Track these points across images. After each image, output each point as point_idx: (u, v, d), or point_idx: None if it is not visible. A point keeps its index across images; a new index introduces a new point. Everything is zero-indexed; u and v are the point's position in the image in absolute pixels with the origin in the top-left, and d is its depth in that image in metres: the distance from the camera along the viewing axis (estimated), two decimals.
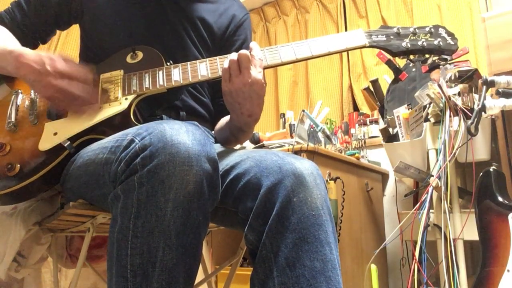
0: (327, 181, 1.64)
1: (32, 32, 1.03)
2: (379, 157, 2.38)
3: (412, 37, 0.92)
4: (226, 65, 0.84)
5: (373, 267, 1.92)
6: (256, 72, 0.83)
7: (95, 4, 1.02)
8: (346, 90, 2.84)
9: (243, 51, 0.83)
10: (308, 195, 0.72)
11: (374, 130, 2.41)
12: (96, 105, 0.87)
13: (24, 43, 1.03)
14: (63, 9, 1.03)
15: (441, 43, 0.92)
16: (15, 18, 1.01)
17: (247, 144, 1.85)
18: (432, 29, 0.93)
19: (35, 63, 0.83)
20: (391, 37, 0.92)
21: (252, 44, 0.87)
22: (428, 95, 1.52)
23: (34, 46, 1.07)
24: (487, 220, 1.35)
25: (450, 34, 0.94)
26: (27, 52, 0.85)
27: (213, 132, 1.09)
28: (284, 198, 0.71)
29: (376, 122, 2.42)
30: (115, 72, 0.92)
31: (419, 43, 0.91)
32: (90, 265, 1.15)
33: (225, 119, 1.03)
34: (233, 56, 0.84)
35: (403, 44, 0.91)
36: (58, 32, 1.10)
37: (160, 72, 0.89)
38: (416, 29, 0.93)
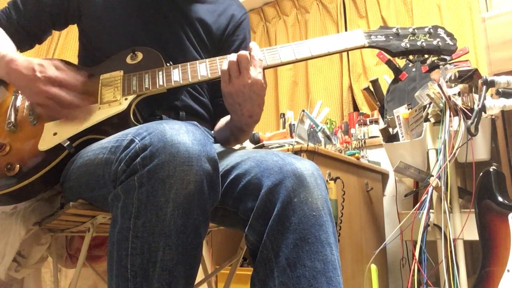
0: (327, 181, 1.64)
1: (28, 32, 1.03)
2: (379, 157, 2.38)
3: (411, 38, 0.92)
4: (225, 66, 0.84)
5: (373, 267, 1.92)
6: (256, 73, 0.83)
7: (93, 5, 1.02)
8: (346, 90, 2.84)
9: (242, 52, 0.83)
10: (309, 195, 0.72)
11: (374, 130, 2.41)
12: (96, 105, 0.87)
13: (20, 43, 1.03)
14: (60, 10, 1.03)
15: (440, 43, 0.92)
16: (11, 18, 1.01)
17: (247, 144, 1.85)
18: (431, 30, 0.93)
19: (25, 69, 0.83)
20: (390, 37, 0.92)
21: (252, 45, 0.87)
22: (428, 95, 1.51)
23: (30, 46, 1.07)
24: (487, 220, 1.35)
25: (449, 35, 0.94)
26: (18, 58, 0.85)
27: (212, 132, 1.09)
28: (284, 199, 0.71)
29: (376, 122, 2.42)
30: (115, 73, 0.92)
31: (418, 43, 0.91)
32: (90, 265, 1.15)
33: (225, 119, 1.03)
34: (232, 57, 0.83)
35: (402, 44, 0.91)
36: (58, 32, 1.10)
37: (160, 73, 0.89)
38: (415, 30, 0.93)
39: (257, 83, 0.83)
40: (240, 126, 0.93)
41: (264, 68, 0.86)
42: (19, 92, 0.94)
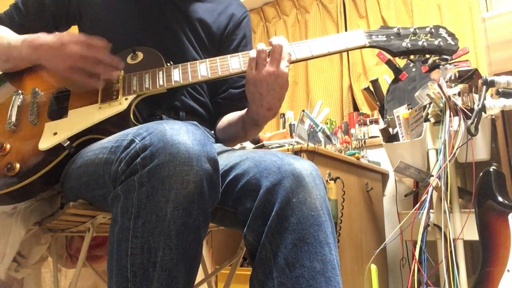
0: (327, 181, 1.64)
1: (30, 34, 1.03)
2: (379, 157, 2.38)
3: (412, 37, 0.92)
4: (253, 54, 0.84)
5: (373, 267, 1.93)
6: (284, 66, 0.83)
7: (92, 6, 1.02)
8: (346, 90, 2.84)
9: (279, 42, 0.83)
10: (307, 195, 0.72)
11: (374, 130, 2.41)
12: (96, 105, 0.87)
13: None
14: (61, 11, 1.04)
15: (441, 43, 0.91)
16: (14, 20, 1.02)
17: (247, 144, 1.85)
18: (433, 30, 0.93)
19: (52, 40, 0.87)
20: (391, 37, 0.92)
21: (281, 39, 0.87)
22: (428, 95, 1.52)
23: None
24: (487, 220, 1.35)
25: (451, 35, 0.94)
26: (39, 35, 0.89)
27: (212, 132, 1.09)
28: (283, 199, 0.71)
29: (376, 122, 2.42)
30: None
31: (420, 43, 0.91)
32: (90, 265, 1.15)
33: (235, 114, 1.02)
34: (262, 45, 0.84)
35: (403, 44, 0.91)
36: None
37: (160, 73, 0.89)
38: (417, 29, 0.93)
39: (283, 76, 0.83)
40: (256, 118, 0.92)
41: None
42: (22, 92, 0.94)
